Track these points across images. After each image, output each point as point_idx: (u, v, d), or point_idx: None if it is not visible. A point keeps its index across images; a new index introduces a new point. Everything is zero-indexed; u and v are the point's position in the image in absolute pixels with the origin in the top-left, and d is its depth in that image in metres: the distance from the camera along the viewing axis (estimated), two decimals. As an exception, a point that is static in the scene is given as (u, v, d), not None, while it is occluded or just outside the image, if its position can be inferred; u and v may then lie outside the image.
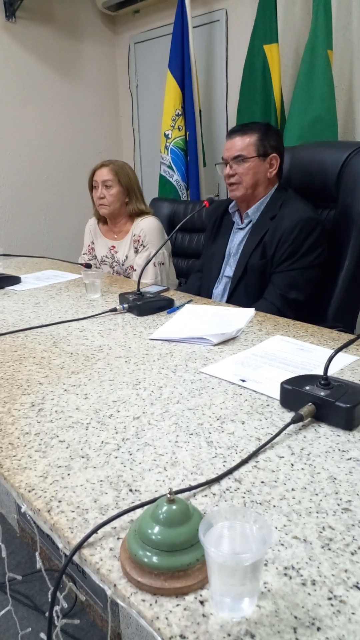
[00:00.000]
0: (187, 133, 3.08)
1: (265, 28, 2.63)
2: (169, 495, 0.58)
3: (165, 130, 3.12)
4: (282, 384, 0.94)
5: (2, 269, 2.18)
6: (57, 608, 0.99)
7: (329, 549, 0.61)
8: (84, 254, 2.44)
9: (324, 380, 0.90)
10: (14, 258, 2.45)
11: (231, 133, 1.80)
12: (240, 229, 1.85)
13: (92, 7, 3.72)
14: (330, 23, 2.43)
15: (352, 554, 0.60)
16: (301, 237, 1.67)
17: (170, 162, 3.12)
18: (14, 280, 1.95)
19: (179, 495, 0.68)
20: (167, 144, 3.12)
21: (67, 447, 0.83)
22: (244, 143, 1.75)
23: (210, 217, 2.02)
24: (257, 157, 1.74)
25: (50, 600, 0.74)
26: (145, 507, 0.63)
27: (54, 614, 0.99)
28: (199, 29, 3.22)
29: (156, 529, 0.57)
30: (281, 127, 2.67)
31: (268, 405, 0.95)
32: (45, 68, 3.60)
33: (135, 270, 2.25)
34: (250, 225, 1.81)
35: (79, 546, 0.62)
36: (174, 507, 0.58)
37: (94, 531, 0.63)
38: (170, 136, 3.10)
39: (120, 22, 3.86)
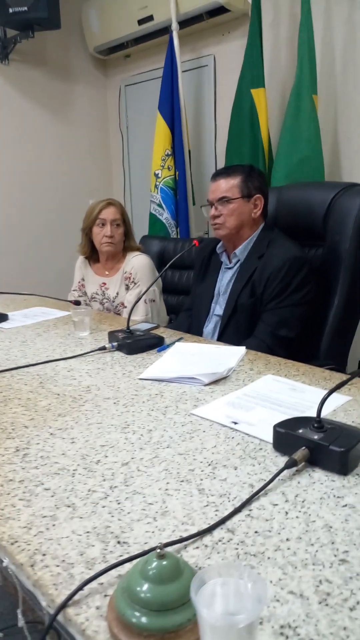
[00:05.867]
0: (177, 172, 3.13)
1: (252, 73, 2.71)
2: (159, 550, 0.55)
3: (155, 170, 3.17)
4: (275, 427, 0.92)
5: (-10, 306, 2.16)
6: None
7: (327, 605, 0.58)
8: (74, 290, 2.43)
9: (317, 423, 0.88)
10: (2, 295, 2.44)
11: (215, 176, 1.83)
12: (229, 268, 1.86)
13: (84, 51, 3.83)
14: (315, 68, 2.51)
15: (351, 609, 0.57)
16: (290, 275, 1.68)
17: (160, 201, 3.16)
18: (1, 317, 1.93)
19: (170, 548, 0.66)
20: (157, 183, 3.17)
21: (52, 496, 0.80)
22: (228, 185, 1.77)
23: (198, 256, 2.03)
24: (242, 198, 1.77)
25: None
26: (134, 562, 0.60)
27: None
28: (188, 73, 3.31)
29: (145, 587, 0.54)
30: (269, 168, 2.72)
31: (261, 449, 0.93)
32: (37, 109, 3.67)
33: (125, 307, 2.24)
34: (238, 265, 1.82)
35: (63, 605, 0.58)
36: (164, 562, 0.55)
37: (80, 588, 0.60)
38: (160, 175, 3.15)
39: (112, 65, 3.96)
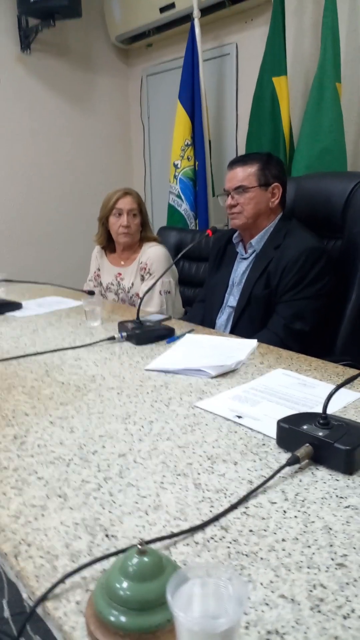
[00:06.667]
0: (197, 163, 3.08)
1: (274, 61, 2.64)
2: (139, 546, 0.53)
3: (174, 160, 3.13)
4: (278, 422, 0.88)
5: (5, 294, 2.16)
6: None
7: (319, 611, 0.54)
8: (89, 280, 2.42)
9: (323, 419, 0.84)
10: (19, 284, 2.43)
11: (232, 164, 1.78)
12: (244, 258, 1.82)
13: (106, 40, 3.80)
14: (339, 56, 2.43)
15: (345, 617, 0.54)
16: (307, 266, 1.63)
17: (178, 192, 3.12)
18: (15, 306, 1.93)
19: (159, 544, 0.63)
20: (176, 174, 3.12)
21: (44, 485, 0.78)
22: (245, 173, 1.73)
23: (213, 246, 1.99)
24: (259, 187, 1.72)
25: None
26: (116, 557, 0.58)
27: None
28: (210, 62, 3.25)
29: (124, 584, 0.52)
30: (290, 157, 2.66)
31: (264, 444, 0.89)
32: (58, 99, 3.66)
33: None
34: (253, 255, 1.78)
35: (42, 598, 0.56)
36: (146, 559, 0.53)
37: (60, 581, 0.58)
38: (179, 166, 3.11)
39: (133, 55, 3.93)
